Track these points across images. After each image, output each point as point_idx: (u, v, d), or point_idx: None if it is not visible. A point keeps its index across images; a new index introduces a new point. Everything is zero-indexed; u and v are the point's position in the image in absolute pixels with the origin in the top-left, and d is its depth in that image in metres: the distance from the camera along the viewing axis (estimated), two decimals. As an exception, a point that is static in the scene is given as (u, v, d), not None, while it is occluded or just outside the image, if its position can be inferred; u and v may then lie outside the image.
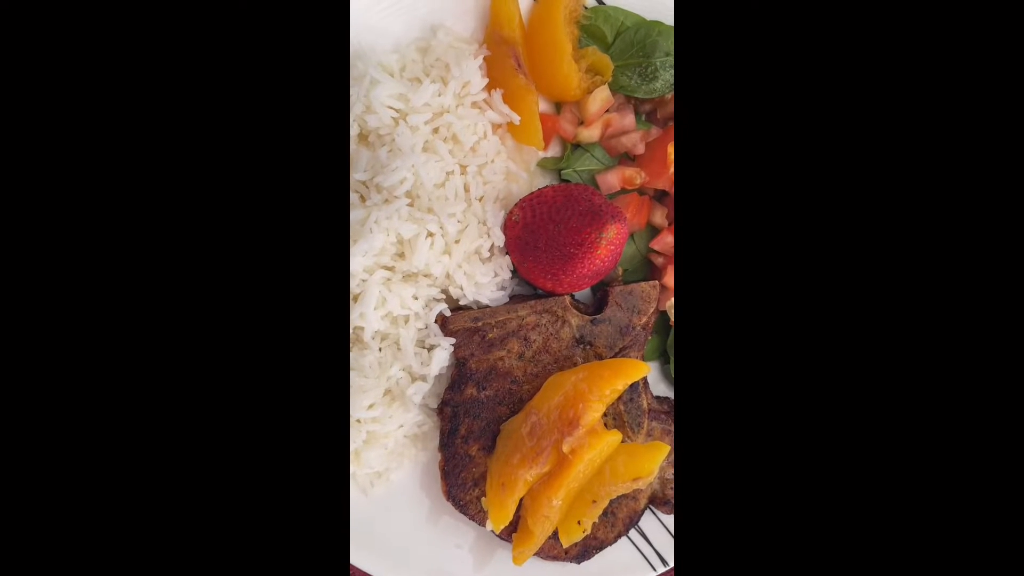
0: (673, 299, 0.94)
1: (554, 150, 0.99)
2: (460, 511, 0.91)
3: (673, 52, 0.93)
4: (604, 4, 0.96)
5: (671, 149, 0.91)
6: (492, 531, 0.90)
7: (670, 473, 0.93)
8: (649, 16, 0.95)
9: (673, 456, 0.93)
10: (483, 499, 0.90)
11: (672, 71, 0.94)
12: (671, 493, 0.93)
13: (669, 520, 0.98)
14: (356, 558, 0.94)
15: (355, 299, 0.87)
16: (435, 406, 0.95)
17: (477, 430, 0.91)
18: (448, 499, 0.91)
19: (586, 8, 0.96)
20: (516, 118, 0.92)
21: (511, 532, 0.90)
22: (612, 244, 0.85)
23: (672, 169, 0.91)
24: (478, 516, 0.91)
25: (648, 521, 0.97)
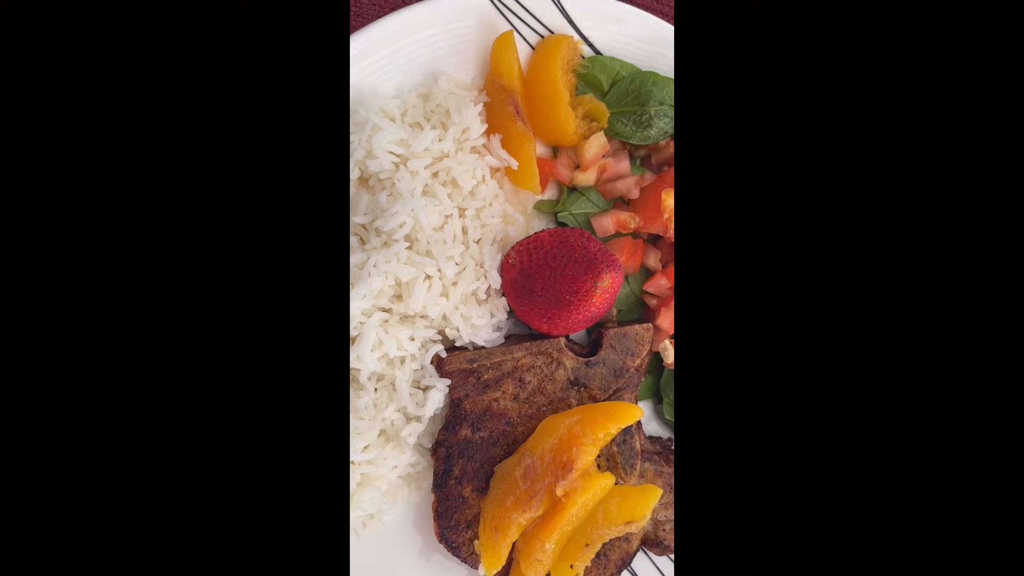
0: (667, 340, 0.95)
1: (551, 193, 1.01)
2: (453, 553, 0.91)
3: (667, 102, 0.96)
4: (601, 54, 0.99)
5: (665, 195, 0.93)
6: (485, 574, 0.90)
7: (663, 515, 0.93)
8: (644, 67, 0.98)
9: (667, 498, 0.93)
10: (476, 542, 0.90)
11: (666, 119, 0.97)
12: (664, 534, 0.93)
13: (662, 562, 0.98)
14: (347, 600, 0.93)
15: (352, 341, 0.87)
16: (429, 446, 0.95)
17: (471, 471, 0.91)
18: (441, 541, 0.91)
19: (583, 57, 0.99)
20: (514, 163, 0.94)
21: (504, 575, 0.90)
22: (607, 292, 0.87)
23: (667, 215, 0.93)
24: (471, 559, 0.91)
25: (640, 562, 0.97)
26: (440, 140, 0.91)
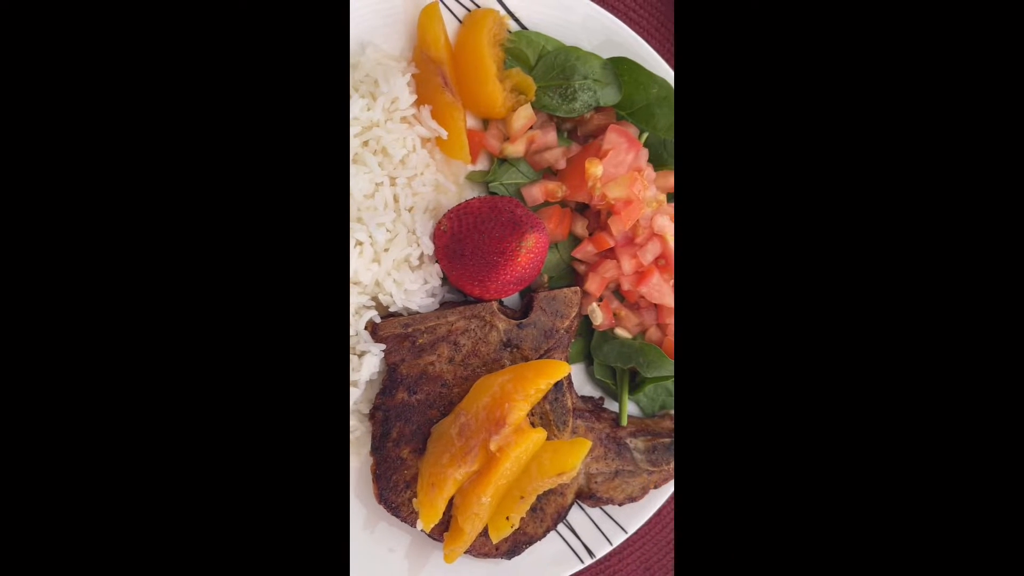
0: (595, 303, 1.01)
1: (482, 164, 1.04)
2: (392, 513, 0.93)
3: (591, 76, 1.01)
4: (527, 29, 1.03)
5: (589, 164, 0.98)
6: (424, 531, 0.93)
7: (595, 468, 0.99)
8: (568, 42, 1.02)
9: (598, 451, 0.98)
10: (414, 500, 0.93)
11: (590, 92, 1.01)
12: (596, 487, 0.99)
13: (596, 514, 1.03)
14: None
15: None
16: (366, 412, 0.97)
17: (408, 433, 0.93)
18: (380, 502, 0.93)
19: (510, 32, 1.02)
20: (444, 133, 0.97)
21: (443, 532, 0.93)
22: (532, 252, 0.91)
23: (591, 183, 0.98)
24: (410, 517, 0.93)
25: (576, 515, 1.02)
26: (369, 109, 0.92)
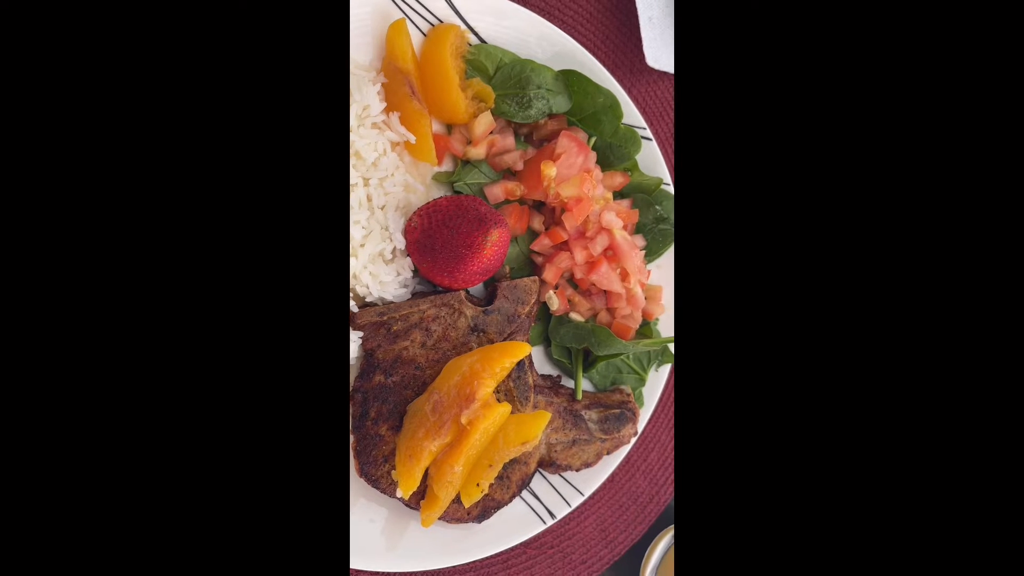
0: (551, 291, 1.11)
1: (447, 165, 1.13)
2: (372, 485, 1.01)
3: (544, 86, 1.11)
4: (485, 43, 1.12)
5: (544, 166, 1.08)
6: (402, 499, 1.01)
7: (554, 439, 1.10)
8: (523, 55, 1.12)
9: (556, 423, 1.09)
10: (393, 472, 1.01)
11: (543, 101, 1.12)
12: (555, 455, 1.10)
13: (555, 479, 1.14)
14: (274, 539, 1.00)
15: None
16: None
17: (386, 412, 1.02)
18: (361, 475, 1.01)
19: (470, 45, 1.12)
20: (412, 138, 1.05)
21: (419, 500, 1.02)
22: (496, 246, 1.01)
23: (546, 183, 1.08)
24: (389, 488, 1.02)
25: (538, 482, 1.13)
26: (343, 116, 1.00)
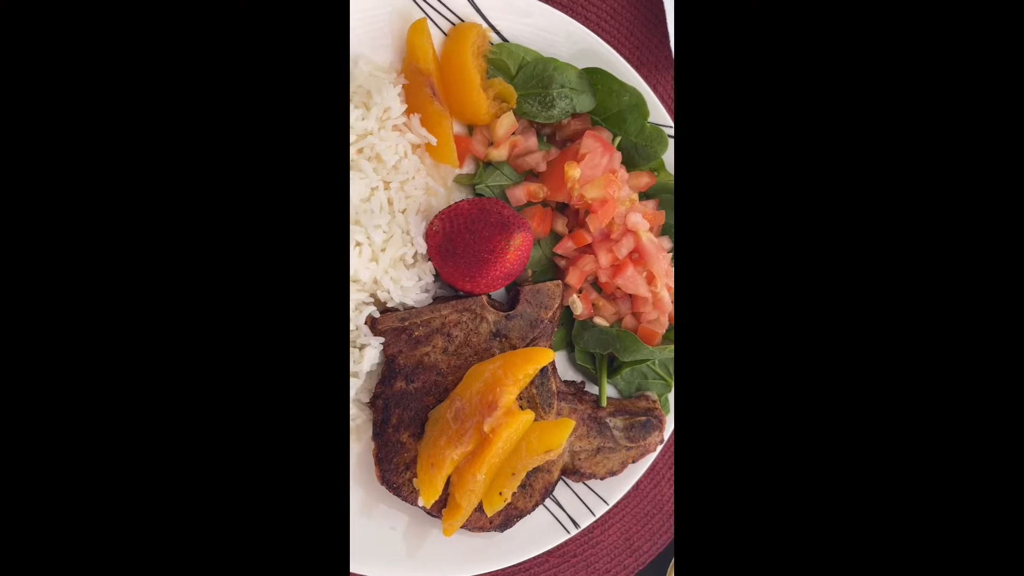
0: (575, 295, 1.09)
1: (468, 168, 1.11)
2: (394, 493, 1.00)
3: (568, 84, 1.08)
4: (508, 41, 1.10)
5: (568, 167, 1.05)
6: (424, 508, 1.00)
7: (578, 446, 1.07)
8: (546, 53, 1.10)
9: (580, 430, 1.07)
10: (414, 480, 1.00)
11: (567, 100, 1.09)
12: (579, 463, 1.07)
13: (579, 488, 1.12)
14: (296, 546, 1.00)
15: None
16: (367, 400, 1.03)
17: (407, 419, 1.00)
18: (382, 483, 1.00)
19: (492, 44, 1.09)
20: (433, 140, 1.04)
21: (440, 508, 1.01)
22: (519, 250, 0.99)
23: (570, 184, 1.06)
24: (410, 496, 1.01)
25: (561, 490, 1.11)
26: (363, 119, 0.99)
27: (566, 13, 1.13)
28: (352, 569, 1.02)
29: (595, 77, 1.10)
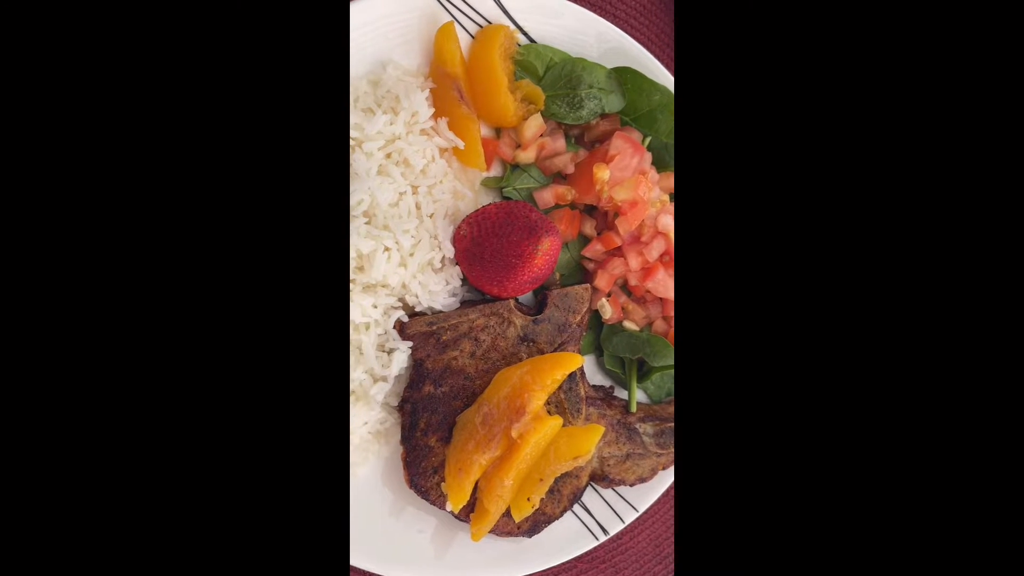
0: (604, 298, 1.07)
1: (496, 171, 1.10)
2: (422, 497, 1.01)
3: (596, 85, 1.07)
4: (535, 42, 1.09)
5: (597, 168, 1.04)
6: (452, 513, 1.00)
7: (607, 452, 1.06)
8: (574, 54, 1.08)
9: (609, 436, 1.05)
10: (442, 484, 1.00)
11: (596, 101, 1.07)
12: (608, 469, 1.06)
13: (608, 494, 1.11)
14: (327, 548, 1.01)
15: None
16: (396, 404, 1.04)
17: (435, 423, 1.01)
18: (411, 487, 1.00)
19: (519, 45, 1.08)
20: (460, 143, 1.03)
21: (468, 513, 1.01)
22: (547, 254, 0.98)
23: (599, 187, 1.04)
24: (439, 500, 1.01)
25: (590, 496, 1.10)
26: (391, 124, 0.99)
27: (593, 12, 1.11)
28: (380, 572, 1.03)
29: (625, 76, 1.08)
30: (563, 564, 1.14)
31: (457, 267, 1.04)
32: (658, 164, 1.09)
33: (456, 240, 1.02)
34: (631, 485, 1.06)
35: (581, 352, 1.06)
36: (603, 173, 1.03)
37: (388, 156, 1.00)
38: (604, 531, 1.08)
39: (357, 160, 0.96)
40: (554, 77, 1.07)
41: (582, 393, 1.03)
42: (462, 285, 1.06)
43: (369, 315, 0.97)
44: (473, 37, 1.07)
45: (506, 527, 1.02)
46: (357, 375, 0.97)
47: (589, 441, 0.99)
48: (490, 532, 1.01)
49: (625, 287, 1.09)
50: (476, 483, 0.98)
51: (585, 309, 1.05)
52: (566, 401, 1.02)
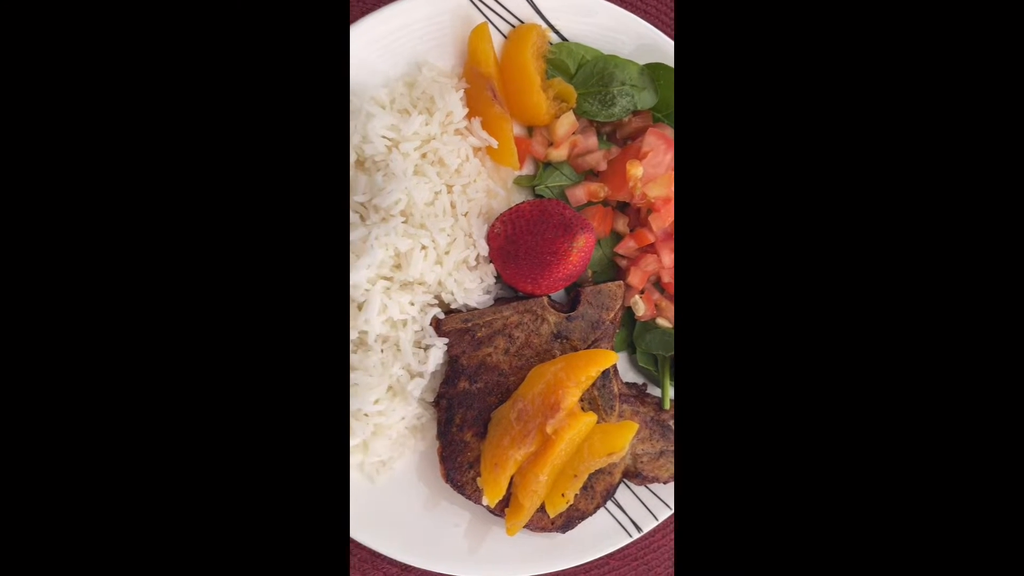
0: (637, 295, 1.07)
1: (528, 169, 1.11)
2: (458, 491, 1.02)
3: (628, 82, 1.07)
4: (567, 40, 1.09)
5: (630, 165, 1.04)
6: (487, 507, 1.01)
7: (640, 449, 1.06)
8: (606, 51, 1.08)
9: (643, 433, 1.05)
10: (478, 479, 1.01)
11: (628, 98, 1.07)
12: (642, 466, 1.06)
13: (642, 491, 1.11)
14: (365, 539, 1.04)
15: (360, 307, 0.97)
16: (432, 400, 1.06)
17: (470, 419, 1.02)
18: (447, 481, 1.02)
19: (551, 44, 1.09)
20: (494, 142, 1.04)
21: (503, 507, 1.02)
22: (582, 252, 0.98)
23: (632, 183, 1.04)
24: (474, 495, 1.02)
25: (623, 493, 1.10)
26: (427, 124, 1.01)
27: (625, 8, 1.11)
28: (416, 564, 1.05)
29: (657, 72, 1.07)
30: (596, 560, 1.14)
31: (491, 265, 1.05)
32: (691, 160, 1.08)
33: (490, 238, 1.03)
34: (664, 483, 1.06)
35: (614, 349, 1.06)
36: (636, 170, 1.03)
37: (424, 156, 1.01)
38: (638, 528, 1.08)
39: (394, 160, 0.98)
40: (586, 75, 1.07)
41: (616, 390, 1.03)
42: (496, 283, 1.07)
43: (407, 312, 0.99)
44: (506, 37, 1.08)
45: (540, 522, 1.03)
46: (395, 371, 0.99)
47: (623, 438, 0.99)
48: (524, 527, 1.02)
49: (658, 284, 1.09)
50: (511, 478, 0.99)
51: (618, 306, 1.05)
52: (600, 398, 1.03)
